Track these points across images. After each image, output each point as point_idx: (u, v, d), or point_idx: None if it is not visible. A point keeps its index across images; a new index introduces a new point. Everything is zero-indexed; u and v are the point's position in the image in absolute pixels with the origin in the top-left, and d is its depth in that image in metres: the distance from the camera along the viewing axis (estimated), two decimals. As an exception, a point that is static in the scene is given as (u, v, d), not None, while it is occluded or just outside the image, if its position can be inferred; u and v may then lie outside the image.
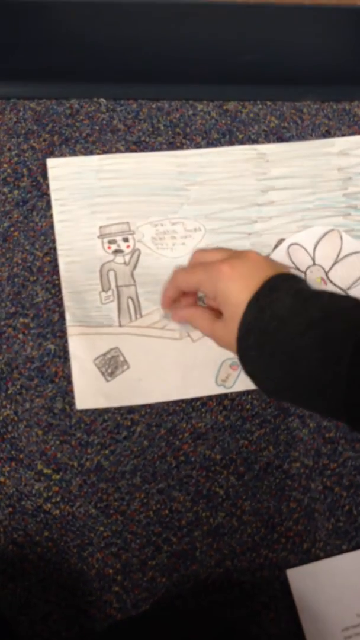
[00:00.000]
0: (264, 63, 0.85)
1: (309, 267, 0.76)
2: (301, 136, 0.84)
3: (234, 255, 0.55)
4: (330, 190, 0.81)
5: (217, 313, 0.59)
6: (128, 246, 0.75)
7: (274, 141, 0.84)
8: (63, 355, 0.69)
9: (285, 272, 0.53)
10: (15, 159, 0.79)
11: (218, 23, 0.81)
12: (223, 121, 0.84)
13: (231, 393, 0.69)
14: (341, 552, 0.65)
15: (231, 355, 0.68)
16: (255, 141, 0.83)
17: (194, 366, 0.70)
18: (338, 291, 0.75)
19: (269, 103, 0.86)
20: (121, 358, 0.70)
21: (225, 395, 0.69)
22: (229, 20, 0.82)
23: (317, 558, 0.64)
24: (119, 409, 0.68)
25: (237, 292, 0.52)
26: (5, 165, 0.78)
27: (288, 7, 0.79)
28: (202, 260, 0.59)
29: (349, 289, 0.75)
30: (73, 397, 0.67)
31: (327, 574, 0.63)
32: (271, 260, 0.54)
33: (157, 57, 0.84)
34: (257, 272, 0.52)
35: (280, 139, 0.84)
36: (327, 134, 0.85)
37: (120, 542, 0.63)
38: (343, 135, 0.85)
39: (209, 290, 0.56)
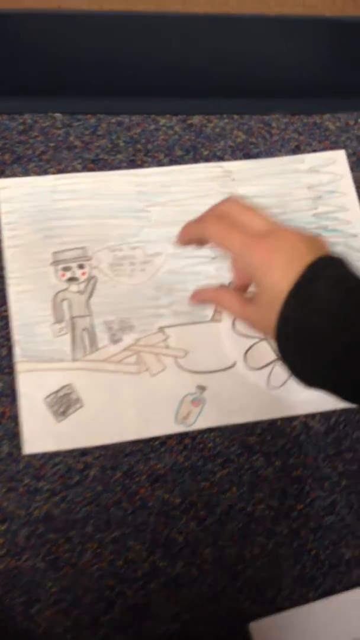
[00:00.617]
0: (230, 75, 0.81)
1: (275, 292, 0.71)
2: (269, 152, 0.80)
3: (272, 234, 0.50)
4: (299, 210, 0.77)
5: (244, 288, 0.55)
6: (84, 273, 0.71)
7: (240, 158, 0.80)
8: (10, 393, 0.64)
9: (326, 256, 0.48)
10: (-36, 180, 0.74)
11: (181, 34, 0.77)
12: (187, 137, 0.80)
13: (192, 431, 0.65)
14: (307, 600, 0.61)
15: (192, 391, 0.64)
16: (221, 158, 0.79)
17: (152, 403, 0.66)
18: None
19: (235, 117, 0.82)
20: (74, 396, 0.66)
21: (186, 434, 0.65)
22: (193, 31, 0.77)
23: (282, 608, 0.60)
24: (71, 451, 0.63)
25: (276, 280, 0.47)
26: None
27: (254, 19, 0.75)
28: (238, 220, 0.52)
29: (318, 316, 0.70)
30: (21, 440, 0.62)
31: (292, 625, 0.60)
32: (310, 240, 0.49)
33: (117, 69, 0.79)
34: (297, 258, 0.47)
35: (248, 155, 0.80)
36: (297, 150, 0.81)
37: (70, 597, 0.59)
38: (314, 150, 0.81)
39: (241, 263, 0.51)
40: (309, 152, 0.81)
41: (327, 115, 0.83)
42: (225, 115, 0.82)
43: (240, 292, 0.55)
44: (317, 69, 0.83)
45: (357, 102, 0.84)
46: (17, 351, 0.66)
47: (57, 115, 0.79)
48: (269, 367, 0.68)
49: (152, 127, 0.80)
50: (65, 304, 0.70)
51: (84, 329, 0.68)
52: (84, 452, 0.64)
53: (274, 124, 0.82)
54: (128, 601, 0.59)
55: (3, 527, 0.60)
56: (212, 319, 0.70)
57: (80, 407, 0.65)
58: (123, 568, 0.60)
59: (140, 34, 0.76)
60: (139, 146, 0.79)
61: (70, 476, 0.63)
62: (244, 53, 0.80)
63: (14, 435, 0.63)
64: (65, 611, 0.59)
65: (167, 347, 0.69)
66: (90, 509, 0.62)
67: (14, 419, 0.63)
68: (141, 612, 0.59)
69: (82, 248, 0.72)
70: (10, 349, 0.66)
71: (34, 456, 0.63)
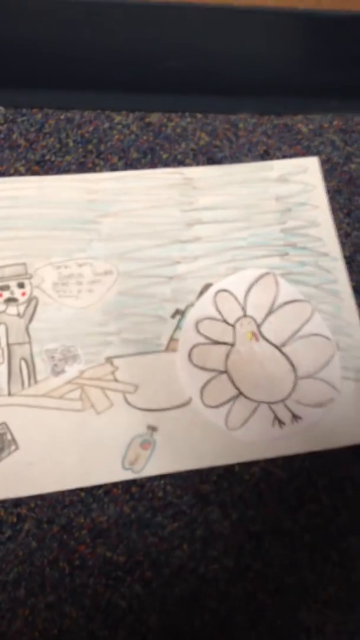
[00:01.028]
0: (194, 69, 0.73)
1: (238, 319, 0.65)
2: (235, 157, 0.72)
3: None
4: (266, 224, 0.69)
5: None
6: (24, 293, 0.63)
7: (203, 162, 0.72)
8: None
9: None
10: None
11: (141, 23, 0.69)
12: (145, 137, 0.72)
13: (140, 478, 0.58)
14: (263, 675, 0.55)
15: (142, 431, 0.58)
16: (181, 162, 0.71)
17: (97, 445, 0.59)
18: (270, 349, 0.64)
19: (199, 116, 0.74)
20: (8, 436, 0.58)
21: (133, 481, 0.58)
22: (153, 20, 0.69)
23: None
24: (2, 501, 0.56)
25: None
26: None
27: (221, 9, 0.67)
28: None
29: (283, 345, 0.64)
30: None
31: None
32: None
33: (68, 59, 0.71)
34: None
35: (211, 160, 0.72)
36: (266, 155, 0.73)
37: (-3, 672, 0.52)
38: (284, 156, 0.74)
39: None
40: (278, 157, 0.74)
41: (299, 117, 0.76)
42: (187, 114, 0.74)
43: None
44: (289, 66, 0.75)
45: (331, 102, 0.76)
46: None
47: (0, 108, 0.70)
48: (228, 405, 0.62)
49: (106, 125, 0.72)
50: (1, 328, 0.62)
51: (22, 359, 0.61)
52: (17, 502, 0.57)
53: (240, 125, 0.74)
54: None
55: None
56: (167, 349, 0.63)
57: (15, 449, 0.58)
58: (58, 638, 0.53)
59: (95, 21, 0.68)
60: (90, 147, 0.70)
61: (1, 531, 0.56)
62: (209, 46, 0.72)
63: None
64: None
65: (116, 380, 0.61)
66: (22, 569, 0.55)
67: None
68: None
69: (22, 264, 0.64)
70: None
71: None
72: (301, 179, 0.73)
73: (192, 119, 0.74)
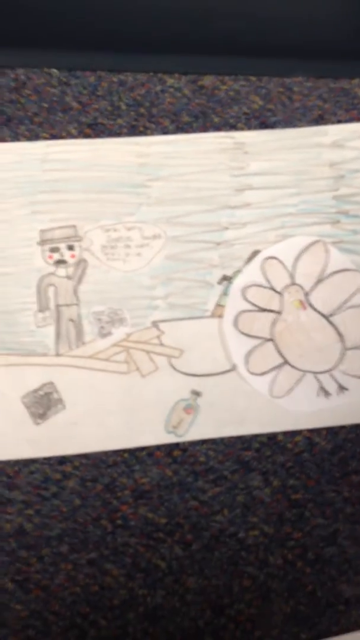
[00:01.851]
0: (247, 31, 0.71)
1: (286, 286, 0.64)
2: (289, 122, 0.71)
3: None
4: (318, 191, 0.68)
5: None
6: (73, 256, 0.63)
7: (256, 127, 0.70)
8: (-17, 393, 0.58)
9: None
10: None
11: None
12: (197, 100, 0.71)
13: (183, 442, 0.59)
14: (299, 641, 0.55)
15: (186, 396, 0.58)
16: (233, 126, 0.70)
17: (141, 408, 0.60)
18: (318, 318, 0.63)
19: (252, 79, 0.72)
20: (55, 396, 0.59)
21: (176, 445, 0.58)
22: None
23: (271, 648, 0.55)
24: (48, 459, 0.57)
25: None
26: None
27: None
28: None
29: (331, 315, 0.63)
30: (-8, 446, 0.56)
31: (282, 664, 0.54)
32: None
33: (121, 21, 0.70)
34: None
35: (264, 125, 0.71)
36: (320, 120, 0.71)
37: (39, 624, 0.54)
38: (339, 121, 0.72)
39: None
40: (333, 122, 0.72)
41: (356, 80, 0.74)
42: (240, 77, 0.72)
43: None
44: (346, 27, 0.72)
45: (392, 66, 0.74)
46: (-7, 344, 0.60)
47: (54, 71, 0.70)
48: (273, 373, 0.61)
49: (158, 88, 0.71)
50: (51, 290, 0.62)
51: (70, 320, 0.61)
52: (62, 460, 0.58)
53: (295, 89, 0.73)
54: (102, 632, 0.54)
55: (-32, 544, 0.55)
56: (213, 314, 0.63)
57: (62, 409, 0.59)
58: (98, 594, 0.55)
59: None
60: (142, 110, 0.70)
61: (47, 487, 0.57)
62: (263, 6, 0.70)
63: (-16, 441, 0.57)
64: (33, 639, 0.53)
65: (161, 344, 0.62)
66: (66, 525, 0.56)
67: (-15, 422, 0.57)
68: (116, 644, 0.54)
69: (72, 226, 0.65)
70: (-16, 342, 0.59)
71: (7, 463, 0.57)
72: (356, 145, 0.71)
73: (245, 82, 0.72)
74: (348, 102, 0.72)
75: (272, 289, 0.64)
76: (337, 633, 0.55)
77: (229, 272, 0.64)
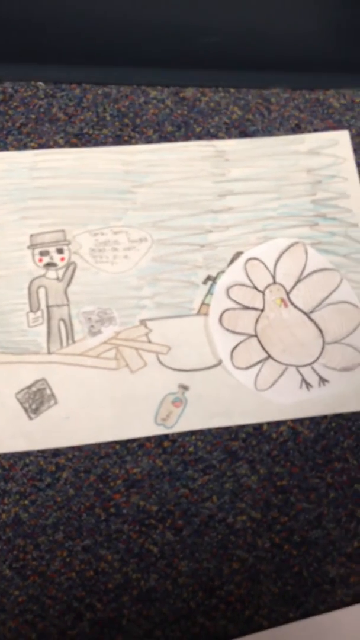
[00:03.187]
0: (227, 45, 0.75)
1: (268, 286, 0.67)
2: (267, 130, 0.74)
3: None
4: (296, 195, 0.71)
5: None
6: (62, 259, 0.66)
7: (236, 136, 0.74)
8: (-21, 390, 0.60)
9: None
10: None
11: (176, 1, 0.71)
12: (179, 111, 0.74)
13: (172, 434, 0.61)
14: (287, 620, 0.57)
15: (174, 390, 0.60)
16: (214, 135, 0.73)
17: (131, 402, 0.62)
18: (299, 315, 0.66)
19: (232, 91, 0.76)
20: (48, 391, 0.61)
21: (166, 437, 0.61)
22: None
23: (260, 627, 0.57)
24: (42, 451, 0.59)
25: None
26: None
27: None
28: None
29: (311, 312, 0.66)
30: (-12, 440, 0.58)
31: (270, 644, 0.56)
32: None
33: (106, 36, 0.73)
34: None
35: (244, 134, 0.74)
36: (297, 129, 0.75)
37: (37, 608, 0.55)
38: (315, 130, 0.76)
39: None
40: (310, 131, 0.75)
41: (331, 92, 0.78)
42: (221, 89, 0.76)
43: None
44: (321, 41, 0.76)
45: (363, 78, 0.78)
46: (-12, 343, 0.62)
47: (40, 84, 0.74)
48: (257, 367, 0.64)
49: (142, 99, 0.74)
50: (41, 291, 0.65)
51: (60, 320, 0.64)
52: (56, 452, 0.60)
53: (273, 100, 0.76)
54: (98, 614, 0.56)
55: (-34, 534, 0.57)
56: (198, 313, 0.66)
57: (54, 404, 0.61)
58: (93, 579, 0.57)
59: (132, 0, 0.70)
60: (126, 120, 0.73)
61: (41, 478, 0.59)
62: (242, 21, 0.73)
63: (-19, 435, 0.59)
64: (31, 622, 0.55)
65: (149, 342, 0.64)
66: (61, 514, 0.58)
67: (-18, 417, 0.59)
68: (111, 627, 0.56)
69: (61, 231, 0.67)
70: (-21, 341, 0.61)
71: (3, 456, 0.59)
72: (332, 152, 0.74)
73: (225, 93, 0.76)
74: (323, 111, 0.76)
75: (255, 288, 0.67)
76: (323, 611, 0.58)
77: (213, 273, 0.67)
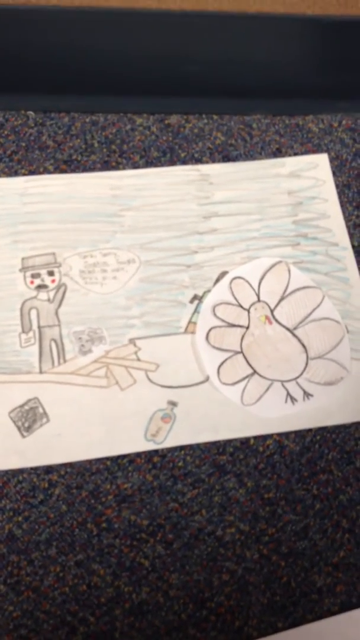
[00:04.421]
0: (209, 74, 0.78)
1: (252, 304, 0.69)
2: (249, 155, 0.77)
3: None
4: (278, 216, 0.74)
5: None
6: (53, 280, 0.68)
7: (219, 160, 0.77)
8: (-28, 409, 0.62)
9: None
10: None
11: (159, 30, 0.74)
12: (164, 137, 0.77)
13: (162, 449, 0.63)
14: (276, 630, 0.59)
15: (163, 406, 0.62)
16: (199, 160, 0.76)
17: (121, 418, 0.64)
18: (283, 331, 0.68)
19: (215, 117, 0.79)
20: (40, 410, 0.63)
21: (155, 452, 0.62)
22: (170, 28, 0.74)
23: (250, 638, 0.58)
24: (35, 468, 0.61)
25: None
26: None
27: (234, 16, 0.72)
28: None
29: (295, 328, 0.68)
30: (-18, 458, 0.60)
31: (261, 654, 0.57)
32: None
33: (93, 66, 0.76)
34: None
35: (227, 158, 0.77)
36: (278, 153, 0.78)
37: (31, 623, 0.57)
38: (295, 154, 0.78)
39: None
40: (290, 154, 0.78)
41: (309, 117, 0.81)
42: (204, 116, 0.79)
43: None
44: (299, 69, 0.79)
45: (340, 103, 0.81)
46: (-19, 363, 0.64)
47: (30, 113, 0.76)
48: (243, 382, 0.66)
49: (128, 126, 0.77)
50: (33, 312, 0.67)
51: (52, 340, 0.66)
52: (48, 469, 0.61)
53: (254, 125, 0.79)
54: (91, 628, 0.57)
55: None
56: (186, 331, 0.68)
57: (46, 422, 0.63)
58: (86, 593, 0.58)
59: (116, 30, 0.73)
60: (113, 147, 0.75)
61: (34, 495, 0.60)
62: (224, 51, 0.76)
63: (-26, 453, 0.60)
64: (25, 637, 0.56)
65: (138, 359, 0.66)
66: (54, 530, 0.59)
67: (-25, 436, 0.61)
68: (104, 640, 0.57)
69: (52, 254, 0.69)
70: (-27, 362, 0.63)
71: (-4, 474, 0.60)
72: (312, 175, 0.77)
73: (208, 120, 0.79)
74: (303, 136, 0.79)
75: (240, 306, 0.69)
76: (311, 620, 0.59)
77: (199, 292, 0.69)
